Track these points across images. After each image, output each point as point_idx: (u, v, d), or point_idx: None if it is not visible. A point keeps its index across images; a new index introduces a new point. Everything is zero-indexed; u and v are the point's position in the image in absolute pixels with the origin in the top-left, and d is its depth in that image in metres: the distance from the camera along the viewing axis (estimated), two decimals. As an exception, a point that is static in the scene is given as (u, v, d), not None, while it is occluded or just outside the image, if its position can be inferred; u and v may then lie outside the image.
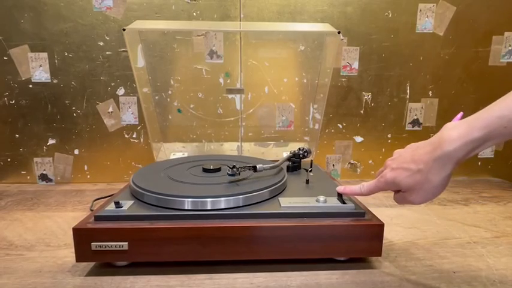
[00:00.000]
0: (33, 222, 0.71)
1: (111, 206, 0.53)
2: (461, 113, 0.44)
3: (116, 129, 0.99)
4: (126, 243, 0.50)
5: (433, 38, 1.00)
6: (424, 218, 0.74)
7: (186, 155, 0.92)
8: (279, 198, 0.58)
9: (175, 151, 0.95)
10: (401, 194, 0.46)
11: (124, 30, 0.74)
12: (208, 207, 0.54)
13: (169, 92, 0.97)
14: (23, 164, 0.99)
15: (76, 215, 0.75)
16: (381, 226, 0.52)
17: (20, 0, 0.90)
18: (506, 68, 1.02)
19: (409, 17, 0.98)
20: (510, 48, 1.01)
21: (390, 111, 1.04)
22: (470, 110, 0.41)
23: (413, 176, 0.43)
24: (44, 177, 1.00)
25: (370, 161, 1.06)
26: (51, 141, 0.98)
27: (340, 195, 0.57)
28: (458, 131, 0.39)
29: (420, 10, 0.98)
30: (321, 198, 0.56)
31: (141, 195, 0.57)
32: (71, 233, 0.50)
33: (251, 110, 1.00)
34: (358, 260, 0.55)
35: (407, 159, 0.44)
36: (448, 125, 0.41)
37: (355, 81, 1.01)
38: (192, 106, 0.98)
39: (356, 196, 0.55)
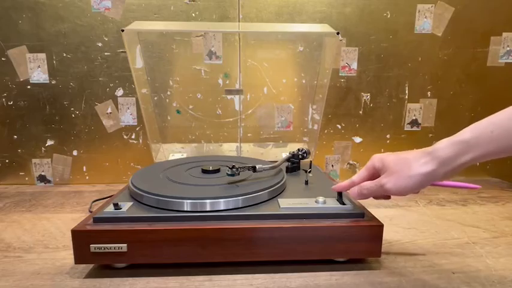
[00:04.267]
0: (31, 223, 0.71)
1: (110, 208, 0.53)
2: None
3: (115, 130, 0.99)
4: (125, 245, 0.50)
5: (432, 38, 1.00)
6: (423, 218, 0.75)
7: (185, 156, 0.91)
8: (278, 200, 0.58)
9: (174, 152, 0.95)
10: (377, 179, 0.48)
11: (123, 31, 0.73)
12: (208, 209, 0.54)
13: (168, 93, 0.97)
14: (21, 165, 0.99)
15: (75, 217, 0.75)
16: (380, 227, 0.52)
17: (18, 1, 0.90)
18: (505, 68, 1.02)
19: (408, 18, 0.98)
20: (508, 48, 1.01)
21: (389, 111, 1.04)
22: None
23: (398, 158, 0.47)
24: (42, 179, 1.00)
25: (369, 162, 1.06)
26: (49, 142, 0.98)
27: (340, 196, 0.57)
28: (449, 137, 0.44)
29: (419, 11, 0.98)
30: (320, 199, 0.56)
31: (140, 196, 0.57)
32: (69, 234, 0.49)
33: (250, 111, 1.00)
34: (357, 261, 0.55)
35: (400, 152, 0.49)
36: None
37: (354, 81, 1.01)
38: (191, 107, 0.98)
39: (356, 196, 0.55)
